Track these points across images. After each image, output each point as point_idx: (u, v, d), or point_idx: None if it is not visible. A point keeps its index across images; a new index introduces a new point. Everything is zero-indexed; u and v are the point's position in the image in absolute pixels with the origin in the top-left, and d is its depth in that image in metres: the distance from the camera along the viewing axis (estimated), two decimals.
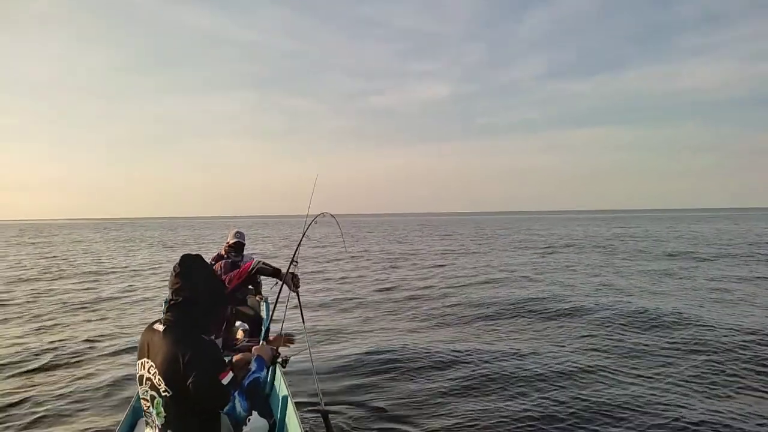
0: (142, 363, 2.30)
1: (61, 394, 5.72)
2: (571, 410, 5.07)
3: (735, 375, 6.07)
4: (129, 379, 5.94)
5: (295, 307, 3.87)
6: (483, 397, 5.53)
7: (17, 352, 7.49)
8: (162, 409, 2.22)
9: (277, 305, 3.74)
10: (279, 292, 3.70)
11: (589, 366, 6.41)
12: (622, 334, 7.99)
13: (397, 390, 5.77)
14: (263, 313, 5.63)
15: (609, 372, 6.21)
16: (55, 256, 27.23)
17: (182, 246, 36.08)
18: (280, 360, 3.88)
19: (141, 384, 2.31)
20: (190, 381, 2.13)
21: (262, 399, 3.76)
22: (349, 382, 6.02)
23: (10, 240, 48.26)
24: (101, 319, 10.00)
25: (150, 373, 2.24)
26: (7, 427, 4.92)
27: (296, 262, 3.85)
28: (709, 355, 6.81)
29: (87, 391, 5.82)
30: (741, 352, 6.86)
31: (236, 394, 2.25)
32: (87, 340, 8.17)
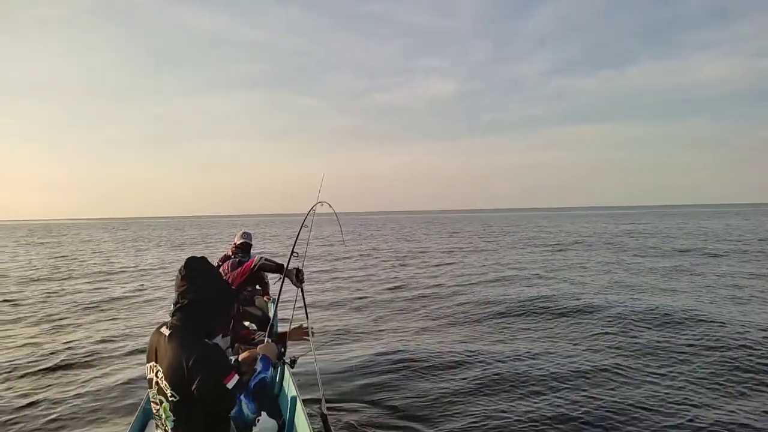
0: (150, 366, 2.29)
1: (73, 396, 5.75)
2: (584, 409, 5.03)
3: (750, 372, 6.01)
4: (140, 380, 5.94)
5: (302, 307, 3.84)
6: (495, 396, 5.49)
7: (30, 353, 7.55)
8: (170, 413, 2.22)
9: (284, 303, 3.70)
10: (281, 287, 3.66)
11: (602, 365, 6.36)
12: (634, 332, 7.92)
13: (406, 390, 5.73)
14: (271, 314, 5.62)
15: (622, 370, 6.15)
16: (64, 256, 27.45)
17: (190, 245, 36.26)
18: (288, 360, 3.86)
19: (150, 387, 2.31)
20: (194, 386, 2.11)
21: (271, 399, 3.75)
22: (359, 382, 5.99)
23: (19, 240, 48.70)
24: (112, 320, 10.05)
25: (158, 377, 2.23)
26: (21, 428, 4.95)
27: (296, 253, 3.81)
28: (722, 352, 6.74)
29: (99, 392, 5.84)
30: (755, 349, 6.78)
31: (242, 396, 2.23)
32: (98, 341, 8.21)
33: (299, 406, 3.51)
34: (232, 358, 2.93)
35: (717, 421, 4.72)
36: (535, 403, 5.25)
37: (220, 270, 4.31)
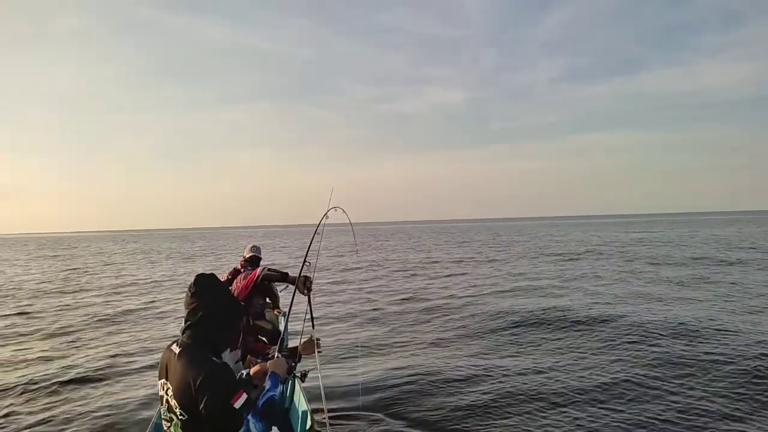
0: (162, 384, 2.31)
1: (86, 411, 5.75)
2: (602, 422, 4.96)
3: None
4: (153, 397, 5.93)
5: (312, 318, 3.82)
6: (509, 411, 5.40)
7: (44, 367, 7.58)
8: (180, 431, 2.22)
9: (294, 315, 3.68)
10: (292, 300, 3.65)
11: (618, 376, 6.27)
12: (650, 343, 7.80)
13: (417, 405, 5.66)
14: (281, 327, 5.62)
15: (639, 382, 6.06)
16: (76, 269, 27.66)
17: (200, 257, 36.41)
18: (299, 374, 3.85)
19: (162, 404, 2.32)
20: (201, 405, 2.12)
21: (282, 414, 3.74)
22: (368, 396, 5.90)
23: (31, 253, 49.14)
24: (125, 334, 10.07)
25: (168, 395, 2.25)
26: None
27: (308, 263, 3.80)
28: (739, 362, 6.62)
29: (112, 408, 5.83)
30: None
31: (250, 416, 2.23)
32: (111, 356, 8.21)
33: (310, 420, 3.50)
34: (243, 372, 2.93)
35: None
36: (552, 417, 5.18)
37: (234, 284, 4.33)
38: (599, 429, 4.86)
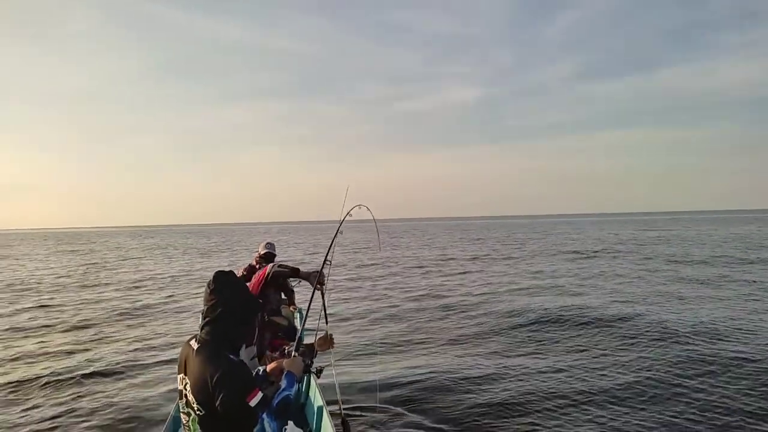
0: (180, 378, 2.34)
1: (106, 404, 5.84)
2: (622, 420, 4.91)
3: None
4: (173, 392, 6.01)
5: (326, 315, 3.81)
6: (526, 410, 5.36)
7: (64, 361, 7.72)
8: (197, 426, 2.25)
9: (310, 313, 3.68)
10: (312, 297, 3.64)
11: (638, 376, 6.20)
12: (670, 343, 7.68)
13: (432, 403, 5.64)
14: (297, 324, 5.65)
15: (660, 382, 5.99)
16: (95, 263, 28.11)
17: (216, 253, 36.75)
18: (314, 370, 3.88)
19: (180, 398, 2.35)
20: (218, 402, 2.15)
21: (297, 409, 3.77)
22: (383, 393, 5.84)
23: (50, 248, 50.02)
24: (145, 328, 10.21)
25: (186, 389, 2.28)
26: None
27: (329, 261, 3.77)
28: (762, 363, 6.51)
29: (132, 401, 5.92)
30: None
31: (265, 415, 2.24)
32: (131, 350, 8.33)
33: (325, 415, 3.54)
34: (260, 369, 2.96)
35: None
36: (570, 416, 5.14)
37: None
38: (620, 428, 4.81)
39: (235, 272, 3.45)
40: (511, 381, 6.25)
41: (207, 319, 2.34)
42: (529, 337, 8.61)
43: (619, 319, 9.41)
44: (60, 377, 6.86)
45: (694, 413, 5.10)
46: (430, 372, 6.63)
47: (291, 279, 4.64)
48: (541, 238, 43.42)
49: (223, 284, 2.39)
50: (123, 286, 17.28)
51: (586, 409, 5.31)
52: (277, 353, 4.00)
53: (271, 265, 4.28)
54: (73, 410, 5.68)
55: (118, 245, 53.45)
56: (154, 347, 8.50)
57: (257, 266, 5.86)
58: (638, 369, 6.55)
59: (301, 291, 6.31)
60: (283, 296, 6.03)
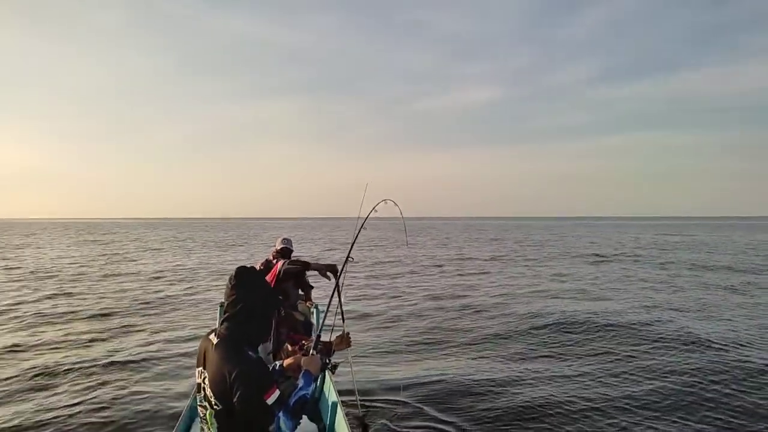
0: (199, 371, 2.35)
1: (126, 395, 5.89)
2: (643, 427, 4.82)
3: None
4: (192, 384, 6.05)
5: (342, 312, 3.77)
6: (543, 416, 5.26)
7: (85, 351, 7.83)
8: (214, 420, 2.27)
9: (326, 313, 3.66)
10: (332, 294, 3.62)
11: (661, 385, 6.05)
12: (695, 351, 7.50)
13: (447, 405, 5.56)
14: (313, 319, 5.66)
15: (683, 392, 5.84)
16: (116, 253, 28.59)
17: (233, 246, 37.11)
18: (329, 366, 3.87)
19: (198, 392, 2.36)
20: (235, 398, 2.15)
21: (312, 404, 3.77)
22: (397, 395, 5.80)
23: (72, 238, 50.99)
24: (164, 320, 10.29)
25: (205, 383, 2.29)
26: (75, 429, 5.08)
27: (352, 258, 3.72)
28: None
29: (151, 394, 5.95)
30: None
31: (281, 413, 2.24)
32: (151, 342, 8.39)
33: (340, 411, 3.54)
34: (277, 363, 2.96)
35: None
36: (590, 423, 5.04)
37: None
38: None
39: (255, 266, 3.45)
40: (531, 384, 6.16)
41: (227, 314, 2.35)
42: (549, 340, 8.49)
43: (643, 324, 9.24)
44: (81, 366, 6.94)
45: (719, 421, 4.98)
46: (448, 373, 6.57)
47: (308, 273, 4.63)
48: (559, 240, 42.98)
49: (244, 280, 2.40)
50: (143, 277, 17.52)
51: (607, 414, 5.22)
52: (297, 347, 4.00)
53: (282, 262, 4.27)
54: (93, 399, 5.73)
55: (137, 237, 54.32)
56: (173, 339, 8.57)
57: (274, 261, 5.88)
58: (662, 375, 6.41)
59: (318, 288, 6.28)
60: (300, 292, 6.04)
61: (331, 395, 3.97)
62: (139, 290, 14.32)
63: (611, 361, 7.17)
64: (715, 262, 22.12)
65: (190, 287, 15.15)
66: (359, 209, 4.03)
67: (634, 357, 7.36)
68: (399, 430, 4.89)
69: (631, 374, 6.54)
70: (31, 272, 18.79)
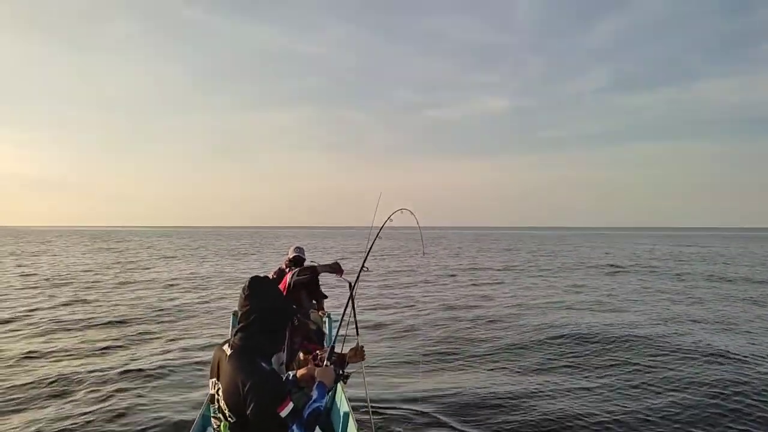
0: (213, 382, 2.33)
1: (141, 404, 5.89)
2: None
3: None
4: (204, 395, 6.03)
5: (356, 323, 3.71)
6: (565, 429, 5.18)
7: (99, 359, 7.87)
8: (228, 431, 2.24)
9: (341, 323, 3.62)
10: (347, 304, 3.58)
11: (686, 399, 5.93)
12: (717, 365, 7.35)
13: (460, 418, 5.49)
14: (325, 329, 5.63)
15: (709, 405, 5.72)
16: (130, 261, 28.83)
17: (246, 255, 37.25)
18: (343, 377, 3.84)
19: (212, 402, 2.34)
20: (249, 410, 2.13)
21: (324, 414, 3.73)
22: (408, 407, 5.75)
23: (87, 246, 51.45)
24: (179, 329, 10.31)
25: (219, 394, 2.27)
26: None
27: (366, 268, 3.67)
28: None
29: (166, 403, 5.97)
30: None
31: (295, 426, 2.21)
32: (166, 351, 8.40)
33: (351, 422, 3.51)
34: (290, 374, 2.93)
35: None
36: None
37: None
38: None
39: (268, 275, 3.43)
40: (549, 396, 6.07)
41: (241, 324, 2.33)
42: (566, 351, 8.37)
43: (661, 335, 9.10)
44: (97, 373, 6.97)
45: None
46: (463, 384, 6.50)
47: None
48: (573, 251, 42.57)
49: (258, 290, 2.37)
50: (157, 285, 17.61)
51: (628, 426, 5.14)
52: (310, 356, 3.97)
53: (291, 274, 4.25)
54: (109, 407, 5.74)
55: (150, 244, 54.75)
56: (188, 348, 8.57)
57: (286, 269, 5.87)
58: (683, 387, 6.31)
59: (331, 297, 6.24)
60: (313, 301, 6.02)
61: (343, 405, 3.94)
62: (153, 298, 14.39)
63: (630, 373, 7.06)
64: (732, 273, 21.78)
65: (203, 295, 15.20)
66: (373, 218, 3.98)
67: (653, 368, 7.24)
68: None
69: (651, 386, 6.42)
70: (47, 279, 18.99)
